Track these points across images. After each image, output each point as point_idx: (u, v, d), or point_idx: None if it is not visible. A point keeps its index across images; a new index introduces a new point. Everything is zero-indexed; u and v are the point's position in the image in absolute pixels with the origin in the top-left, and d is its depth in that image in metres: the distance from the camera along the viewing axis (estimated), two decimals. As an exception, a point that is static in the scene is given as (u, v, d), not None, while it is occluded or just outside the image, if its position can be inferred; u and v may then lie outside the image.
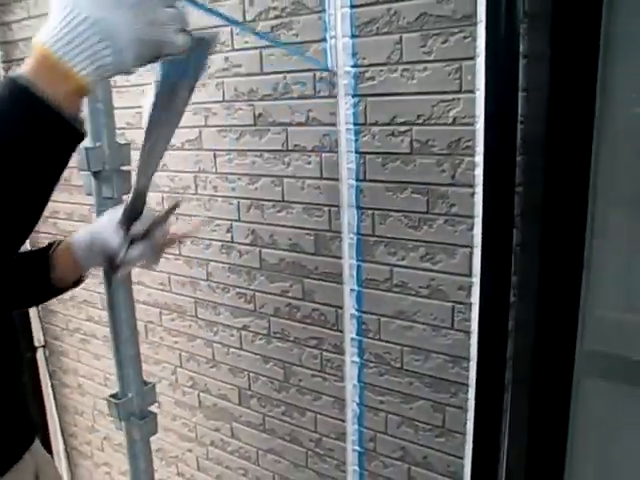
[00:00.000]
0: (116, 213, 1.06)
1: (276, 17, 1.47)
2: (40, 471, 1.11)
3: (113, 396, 1.61)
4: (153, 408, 2.04)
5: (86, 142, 1.45)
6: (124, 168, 1.48)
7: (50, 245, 1.10)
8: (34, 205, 0.62)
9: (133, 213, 1.02)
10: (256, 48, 1.52)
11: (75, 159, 1.34)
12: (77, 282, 1.16)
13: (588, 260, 1.18)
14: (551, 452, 1.29)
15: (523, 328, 1.25)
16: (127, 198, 1.04)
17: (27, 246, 2.10)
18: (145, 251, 1.04)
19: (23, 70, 0.58)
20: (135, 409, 1.60)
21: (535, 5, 1.12)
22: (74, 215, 2.22)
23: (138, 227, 1.02)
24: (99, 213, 1.49)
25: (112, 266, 1.05)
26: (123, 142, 1.49)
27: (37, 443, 1.11)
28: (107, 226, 1.04)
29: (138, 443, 1.64)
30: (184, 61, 0.74)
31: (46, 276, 1.06)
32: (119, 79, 1.86)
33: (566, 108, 1.14)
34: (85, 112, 1.43)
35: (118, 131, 1.88)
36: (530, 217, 1.19)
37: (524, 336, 1.25)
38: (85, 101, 1.41)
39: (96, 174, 1.46)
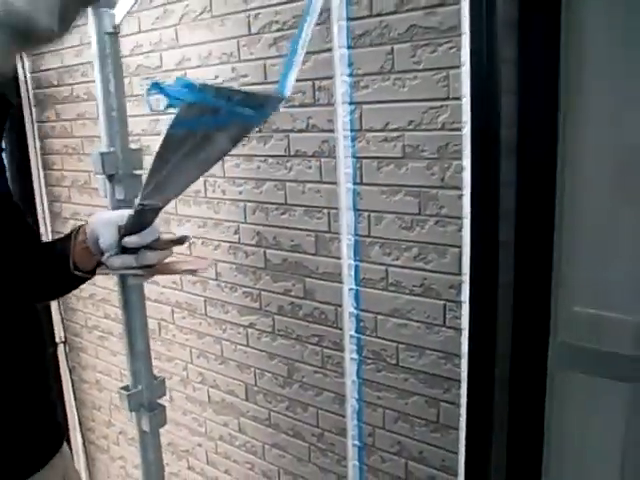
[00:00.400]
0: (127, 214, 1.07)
1: (278, 30, 1.55)
2: (67, 475, 1.16)
3: (124, 388, 1.70)
4: (163, 401, 2.14)
5: (101, 147, 1.55)
6: (136, 172, 1.58)
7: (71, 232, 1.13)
8: None
9: (134, 225, 1.01)
10: (260, 59, 1.60)
11: (93, 163, 1.45)
12: (93, 271, 1.16)
13: (559, 257, 1.23)
14: (529, 443, 1.34)
15: (502, 324, 1.30)
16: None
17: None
18: (127, 264, 1.03)
19: None
20: (144, 401, 1.68)
21: (507, 15, 1.17)
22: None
23: (132, 239, 1.02)
24: (112, 215, 1.59)
25: (98, 263, 1.08)
26: (135, 147, 1.58)
27: (65, 447, 1.17)
28: (111, 222, 1.05)
29: (148, 435, 1.71)
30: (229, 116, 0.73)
31: (66, 262, 1.09)
32: (136, 87, 1.96)
33: (531, 112, 1.20)
34: (101, 120, 1.53)
35: (134, 137, 1.99)
36: (505, 217, 1.25)
37: (502, 332, 1.30)
38: (101, 110, 1.51)
39: (110, 177, 1.55)
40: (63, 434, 1.15)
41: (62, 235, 1.14)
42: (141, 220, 1.01)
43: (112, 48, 1.50)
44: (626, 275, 1.18)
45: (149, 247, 1.04)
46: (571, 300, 1.22)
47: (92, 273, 1.14)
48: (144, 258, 1.04)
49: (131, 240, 1.02)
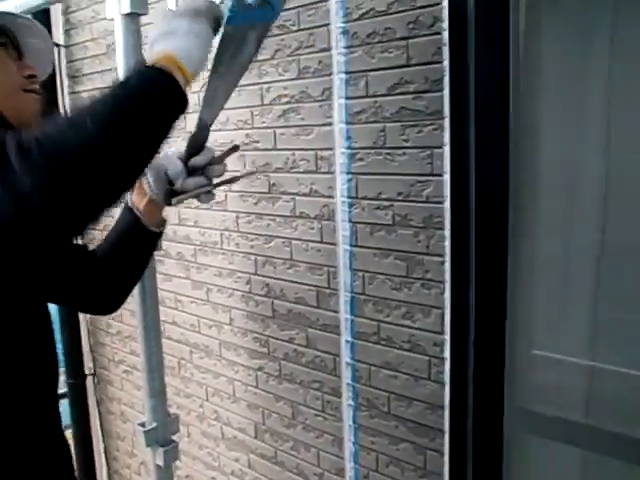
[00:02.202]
0: (180, 147, 1.15)
1: (287, 103, 1.71)
2: None
3: (142, 425, 1.85)
4: (180, 436, 2.29)
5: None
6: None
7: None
8: (146, 154, 0.82)
9: (195, 147, 1.11)
10: (271, 128, 1.77)
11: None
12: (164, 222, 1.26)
13: (514, 323, 1.35)
14: None
15: (462, 385, 1.42)
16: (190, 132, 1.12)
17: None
18: (200, 182, 1.13)
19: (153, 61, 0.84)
20: (159, 437, 1.84)
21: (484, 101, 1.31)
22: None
23: (197, 160, 1.12)
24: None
25: (171, 193, 1.14)
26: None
27: None
28: (171, 156, 1.13)
29: (162, 469, 1.87)
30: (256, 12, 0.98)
31: (139, 222, 1.18)
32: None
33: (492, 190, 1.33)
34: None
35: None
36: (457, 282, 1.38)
37: (464, 391, 1.42)
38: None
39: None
40: None
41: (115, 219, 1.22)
42: (198, 140, 1.11)
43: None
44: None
45: (210, 164, 1.15)
46: (527, 366, 1.34)
47: (162, 226, 1.25)
48: (212, 172, 1.15)
49: (198, 160, 1.12)
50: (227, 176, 1.19)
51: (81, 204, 0.72)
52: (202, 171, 1.14)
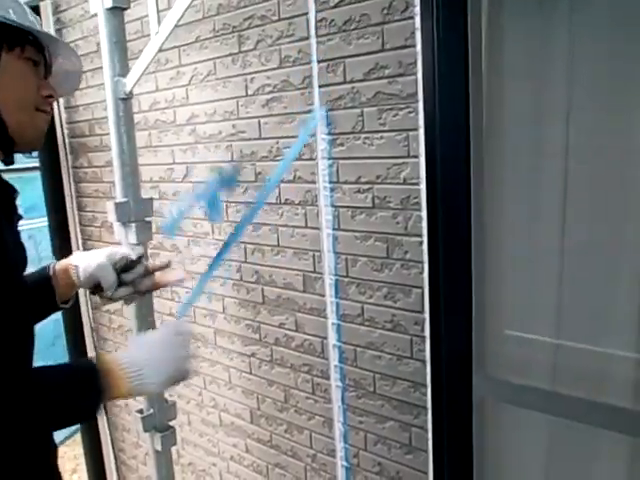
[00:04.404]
0: (114, 254, 1.27)
1: (270, 92, 1.75)
2: None
3: (139, 411, 1.90)
4: (181, 424, 2.34)
5: (117, 197, 1.78)
6: (147, 219, 1.80)
7: (45, 268, 1.27)
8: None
9: (127, 266, 1.28)
10: (255, 117, 1.81)
11: (109, 212, 1.67)
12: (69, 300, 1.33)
13: (485, 294, 1.37)
14: (460, 465, 1.47)
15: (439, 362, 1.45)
16: (122, 249, 1.31)
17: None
18: (129, 292, 1.29)
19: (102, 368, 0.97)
20: (156, 423, 1.89)
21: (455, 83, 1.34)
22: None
23: (129, 276, 1.28)
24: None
25: (101, 296, 1.29)
26: (146, 197, 1.81)
27: None
28: (106, 266, 1.25)
29: (160, 454, 1.92)
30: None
31: (53, 297, 1.25)
32: (155, 139, 2.20)
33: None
34: (116, 173, 1.76)
35: (153, 184, 2.22)
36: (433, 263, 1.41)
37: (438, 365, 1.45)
38: (115, 164, 1.74)
39: (124, 224, 1.78)
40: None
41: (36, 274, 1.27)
42: (134, 263, 1.29)
43: (125, 112, 1.75)
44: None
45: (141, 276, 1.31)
46: (501, 325, 1.37)
47: (68, 303, 1.32)
48: (141, 285, 1.31)
49: (128, 276, 1.29)
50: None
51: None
52: (132, 282, 1.29)
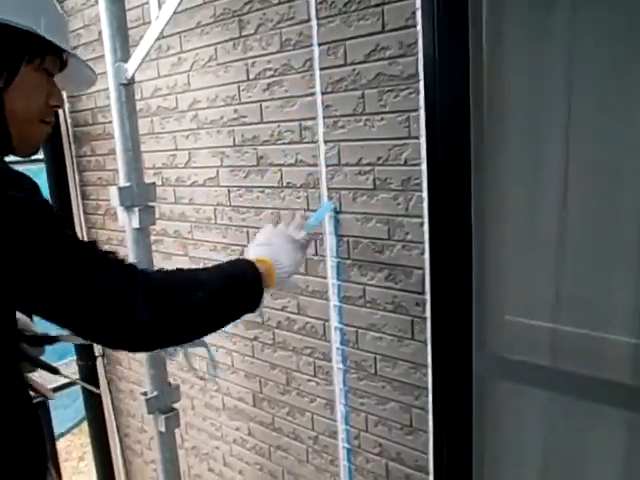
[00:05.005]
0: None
1: (271, 76, 1.75)
2: None
3: (143, 394, 1.92)
4: (186, 408, 2.36)
5: (120, 182, 1.79)
6: (150, 204, 1.81)
7: None
8: (226, 321, 1.16)
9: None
10: (257, 102, 1.81)
11: (111, 196, 1.69)
12: None
13: (485, 277, 1.38)
14: (460, 444, 1.48)
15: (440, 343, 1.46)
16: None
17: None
18: None
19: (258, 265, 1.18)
20: (160, 405, 1.90)
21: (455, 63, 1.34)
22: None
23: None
24: (130, 240, 1.83)
25: None
26: (149, 182, 1.82)
27: None
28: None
29: (164, 435, 1.94)
30: None
31: None
32: (157, 126, 2.21)
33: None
34: (118, 158, 1.77)
35: (156, 170, 2.23)
36: (434, 244, 1.41)
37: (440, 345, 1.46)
38: (118, 149, 1.75)
39: (127, 208, 1.79)
40: (47, 461, 1.14)
41: None
42: None
43: (127, 97, 1.75)
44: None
45: None
46: (501, 310, 1.38)
47: None
48: None
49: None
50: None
51: (176, 338, 1.07)
52: None
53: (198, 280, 1.06)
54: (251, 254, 1.25)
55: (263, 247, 1.28)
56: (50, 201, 0.93)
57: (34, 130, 1.00)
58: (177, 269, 1.08)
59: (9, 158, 1.00)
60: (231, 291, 1.10)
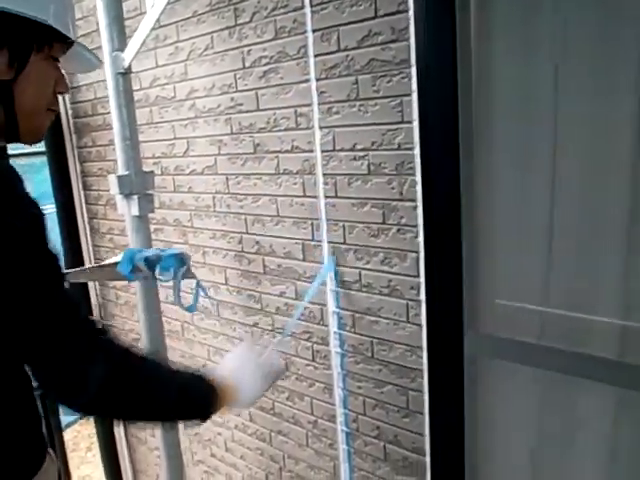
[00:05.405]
0: None
1: (266, 64, 1.77)
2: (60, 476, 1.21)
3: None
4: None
5: (119, 171, 1.81)
6: (148, 192, 1.83)
7: None
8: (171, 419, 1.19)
9: None
10: (253, 89, 1.83)
11: (111, 185, 1.71)
12: None
13: (476, 260, 1.39)
14: (453, 424, 1.50)
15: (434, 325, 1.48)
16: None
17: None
18: None
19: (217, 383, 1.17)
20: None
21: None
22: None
23: None
24: (130, 228, 1.86)
25: None
26: (147, 170, 1.84)
27: (52, 452, 1.16)
28: None
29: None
30: None
31: None
32: (156, 115, 2.23)
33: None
34: (117, 147, 1.79)
35: (155, 159, 2.25)
36: (427, 228, 1.43)
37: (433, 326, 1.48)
38: (117, 139, 1.77)
39: (126, 196, 1.82)
40: (46, 444, 1.14)
41: None
42: None
43: (124, 86, 1.77)
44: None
45: None
46: (492, 293, 1.40)
47: None
48: None
49: None
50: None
51: (115, 415, 1.10)
52: None
53: (157, 380, 1.07)
54: (218, 375, 1.20)
55: (233, 372, 1.24)
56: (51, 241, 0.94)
57: (41, 119, 1.01)
58: (149, 359, 1.11)
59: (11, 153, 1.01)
60: (182, 405, 1.10)
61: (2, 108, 0.92)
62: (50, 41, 0.96)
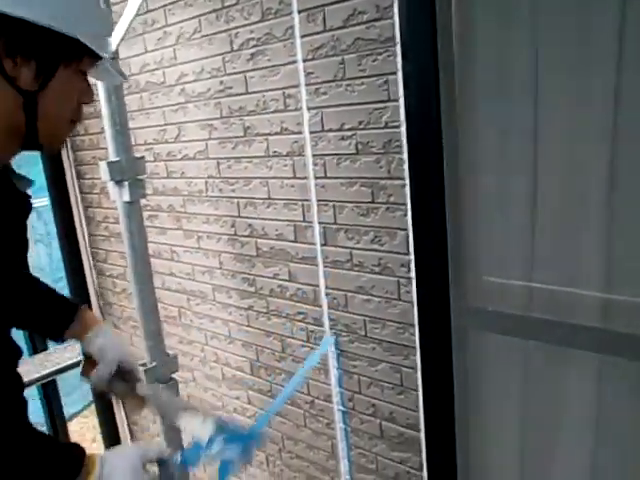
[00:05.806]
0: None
1: (254, 46, 1.76)
2: None
3: (142, 365, 1.96)
4: (187, 381, 2.40)
5: (110, 157, 1.82)
6: (139, 177, 1.84)
7: (75, 305, 1.27)
8: None
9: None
10: (242, 72, 1.83)
11: (102, 171, 1.71)
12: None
13: (462, 237, 1.41)
14: (443, 397, 1.52)
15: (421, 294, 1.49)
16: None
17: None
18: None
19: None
20: (159, 375, 1.95)
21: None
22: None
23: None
24: (122, 215, 1.86)
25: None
26: (138, 156, 1.85)
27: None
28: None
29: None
30: None
31: (64, 325, 1.25)
32: (146, 101, 2.23)
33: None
34: (107, 134, 1.80)
35: (147, 146, 2.25)
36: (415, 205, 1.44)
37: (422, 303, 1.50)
38: (106, 125, 1.77)
39: (117, 182, 1.82)
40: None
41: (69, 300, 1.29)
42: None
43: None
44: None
45: None
46: (478, 270, 1.41)
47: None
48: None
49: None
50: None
51: None
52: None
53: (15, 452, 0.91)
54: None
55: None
56: None
57: (62, 129, 0.99)
58: (34, 431, 0.94)
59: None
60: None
61: (24, 117, 0.91)
62: (81, 56, 0.94)
